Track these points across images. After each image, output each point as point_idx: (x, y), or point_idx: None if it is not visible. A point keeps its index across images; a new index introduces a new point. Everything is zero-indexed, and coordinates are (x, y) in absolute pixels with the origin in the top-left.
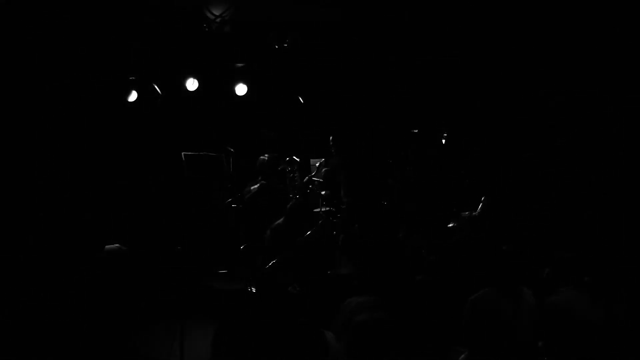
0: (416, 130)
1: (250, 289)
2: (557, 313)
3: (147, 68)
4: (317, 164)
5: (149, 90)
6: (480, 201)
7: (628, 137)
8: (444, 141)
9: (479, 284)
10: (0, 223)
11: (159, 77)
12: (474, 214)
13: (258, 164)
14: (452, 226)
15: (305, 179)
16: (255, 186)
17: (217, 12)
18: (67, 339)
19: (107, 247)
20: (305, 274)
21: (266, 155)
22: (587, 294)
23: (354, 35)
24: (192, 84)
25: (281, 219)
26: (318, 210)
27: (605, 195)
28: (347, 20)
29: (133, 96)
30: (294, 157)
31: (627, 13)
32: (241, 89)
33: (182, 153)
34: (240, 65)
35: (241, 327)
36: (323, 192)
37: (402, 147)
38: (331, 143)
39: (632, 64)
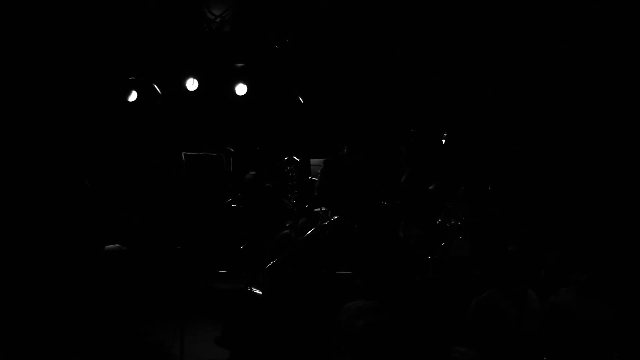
0: (414, 130)
1: (251, 289)
2: (556, 313)
3: (147, 68)
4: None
5: (149, 90)
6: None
7: (627, 137)
8: (443, 141)
9: (483, 284)
10: (0, 223)
11: (159, 77)
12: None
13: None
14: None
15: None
16: None
17: (217, 12)
18: (67, 338)
19: (107, 247)
20: (306, 273)
21: (251, 173)
22: (586, 294)
23: (355, 35)
24: (192, 84)
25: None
26: (318, 210)
27: (604, 194)
28: (347, 18)
29: (133, 96)
30: (294, 157)
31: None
32: (241, 89)
33: (182, 153)
34: (240, 65)
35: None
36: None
37: (400, 146)
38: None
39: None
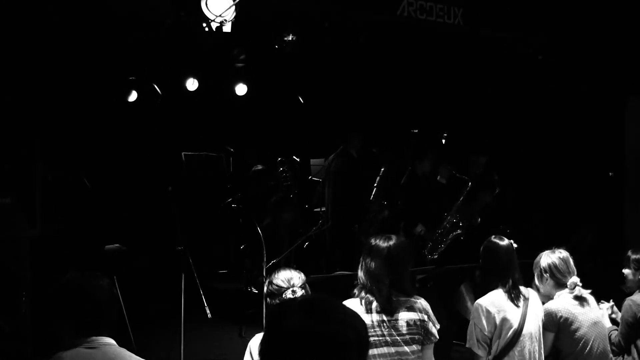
0: (416, 130)
1: (251, 289)
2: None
3: (147, 68)
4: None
5: (149, 90)
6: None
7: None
8: (443, 141)
9: (485, 285)
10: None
11: (159, 77)
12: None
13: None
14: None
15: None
16: None
17: (217, 12)
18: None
19: (107, 247)
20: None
21: (259, 166)
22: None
23: (355, 35)
24: (192, 84)
25: (267, 219)
26: (318, 210)
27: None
28: (351, 20)
29: (133, 96)
30: (294, 157)
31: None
32: (241, 89)
33: (182, 153)
34: (240, 65)
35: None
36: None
37: (402, 146)
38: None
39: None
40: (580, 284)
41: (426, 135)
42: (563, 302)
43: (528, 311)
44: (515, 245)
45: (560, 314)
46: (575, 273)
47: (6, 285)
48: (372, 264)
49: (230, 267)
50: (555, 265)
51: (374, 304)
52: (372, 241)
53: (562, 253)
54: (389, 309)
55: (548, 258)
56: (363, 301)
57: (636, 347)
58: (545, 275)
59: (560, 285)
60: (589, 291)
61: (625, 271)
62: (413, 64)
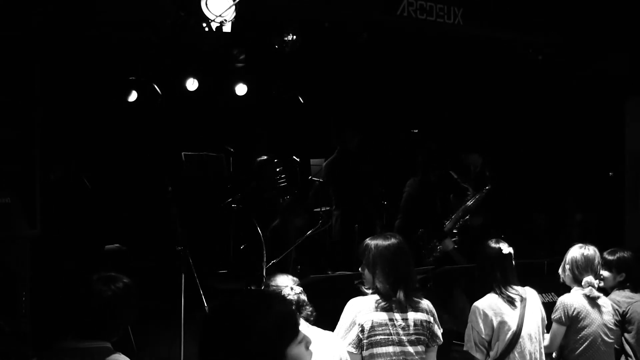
0: (416, 130)
1: (250, 289)
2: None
3: (147, 68)
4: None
5: (149, 90)
6: None
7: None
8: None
9: (481, 287)
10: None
11: (159, 77)
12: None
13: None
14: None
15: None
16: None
17: (217, 12)
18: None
19: (107, 247)
20: (305, 272)
21: (264, 156)
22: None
23: (355, 35)
24: (192, 84)
25: (277, 220)
26: (318, 210)
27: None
28: (351, 20)
29: (133, 96)
30: (294, 157)
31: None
32: (241, 89)
33: (182, 153)
34: (240, 65)
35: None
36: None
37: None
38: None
39: None
40: (595, 286)
41: (425, 135)
42: (577, 297)
43: (526, 312)
44: (510, 248)
45: (573, 307)
46: (597, 273)
47: (6, 285)
48: (377, 263)
49: (230, 267)
50: (575, 260)
51: (381, 303)
52: (375, 240)
53: (589, 250)
54: (395, 308)
55: (574, 251)
56: (369, 300)
57: (628, 343)
58: (566, 267)
59: (577, 281)
60: (601, 295)
61: (605, 274)
62: (413, 64)
